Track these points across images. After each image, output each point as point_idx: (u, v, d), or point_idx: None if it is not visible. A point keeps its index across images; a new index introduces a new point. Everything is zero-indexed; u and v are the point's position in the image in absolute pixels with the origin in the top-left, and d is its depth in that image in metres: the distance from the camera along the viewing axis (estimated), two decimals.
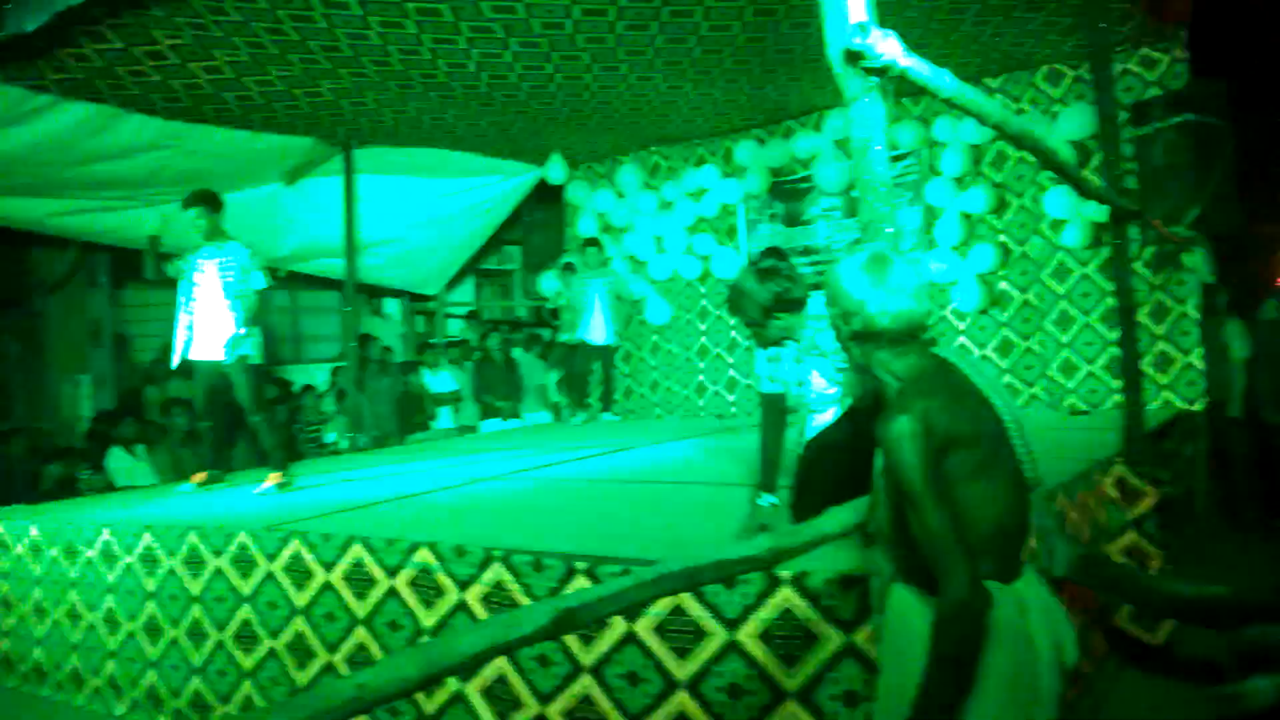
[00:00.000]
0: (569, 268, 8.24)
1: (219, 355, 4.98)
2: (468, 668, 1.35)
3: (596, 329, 7.86)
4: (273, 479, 5.01)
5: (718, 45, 5.58)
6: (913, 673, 1.69)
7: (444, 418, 8.78)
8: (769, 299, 3.18)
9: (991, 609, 1.69)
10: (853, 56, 1.97)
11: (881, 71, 2.01)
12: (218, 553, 3.92)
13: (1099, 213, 5.92)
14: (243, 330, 4.92)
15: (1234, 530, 6.29)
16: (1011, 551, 1.82)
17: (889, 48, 1.97)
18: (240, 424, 5.71)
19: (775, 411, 3.39)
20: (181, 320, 5.13)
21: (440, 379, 8.83)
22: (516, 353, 9.26)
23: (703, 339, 8.21)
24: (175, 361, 5.22)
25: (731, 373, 8.02)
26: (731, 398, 8.02)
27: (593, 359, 8.06)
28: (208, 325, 5.03)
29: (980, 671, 1.69)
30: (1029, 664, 1.76)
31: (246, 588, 3.84)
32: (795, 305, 3.20)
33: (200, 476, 5.31)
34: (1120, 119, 5.66)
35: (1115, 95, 5.32)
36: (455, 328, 10.45)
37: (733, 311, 3.43)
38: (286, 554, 3.70)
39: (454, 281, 10.22)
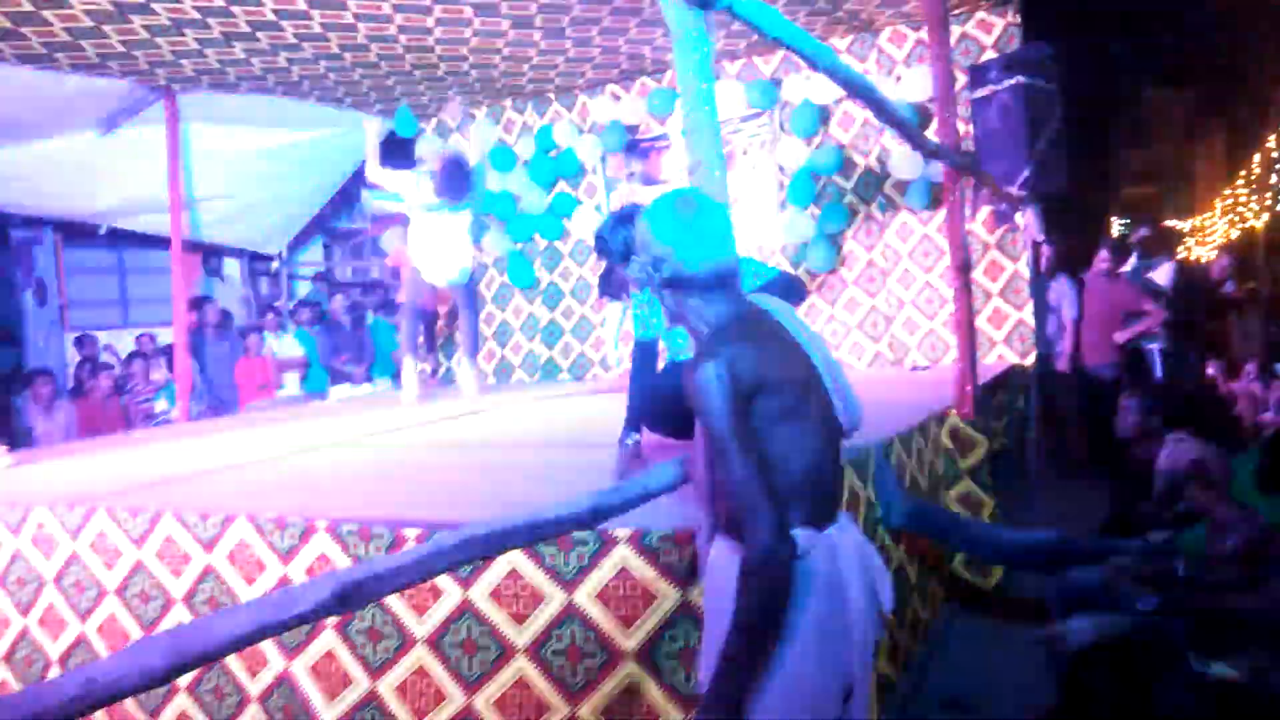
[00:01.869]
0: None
1: None
2: (230, 652, 1.20)
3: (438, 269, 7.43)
4: None
5: None
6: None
7: (291, 384, 8.37)
8: (620, 245, 3.50)
9: (799, 557, 1.66)
10: None
11: (708, 4, 1.92)
12: (15, 532, 3.58)
13: (939, 174, 6.08)
14: None
15: (1062, 479, 6.66)
16: (823, 497, 1.80)
17: None
18: None
19: (644, 355, 3.62)
20: None
21: (286, 344, 8.40)
22: (371, 317, 8.90)
23: (566, 300, 8.06)
24: None
25: (596, 333, 7.92)
26: (597, 358, 7.93)
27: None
28: None
29: (790, 620, 1.66)
30: (841, 611, 1.74)
31: (49, 570, 3.52)
32: None
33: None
34: (959, 83, 5.82)
35: (953, 58, 5.46)
36: (307, 291, 9.99)
37: (600, 255, 3.82)
38: (90, 530, 3.40)
39: (301, 241, 9.74)
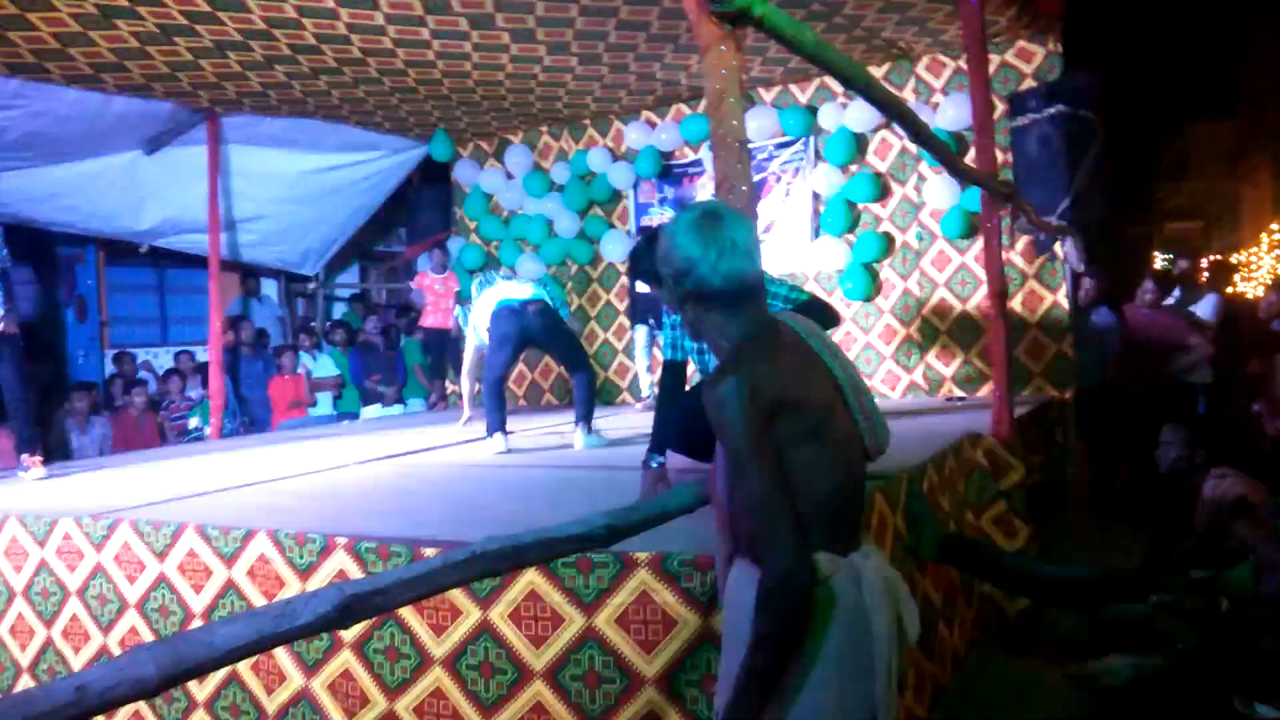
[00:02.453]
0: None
1: None
2: (227, 663, 1.17)
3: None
4: (33, 462, 4.82)
5: (600, 16, 5.42)
6: None
7: (324, 404, 8.43)
8: (654, 265, 3.45)
9: (820, 580, 1.60)
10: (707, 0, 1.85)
11: (737, 17, 1.90)
12: (40, 543, 3.60)
13: (976, 203, 6.00)
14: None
15: (1100, 514, 6.49)
16: (846, 521, 1.73)
17: None
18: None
19: (672, 377, 3.58)
20: None
21: (321, 363, 8.47)
22: (404, 339, 8.96)
23: (592, 323, 8.06)
24: None
25: (621, 358, 7.90)
26: (623, 383, 7.90)
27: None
28: None
29: (811, 646, 1.60)
30: (864, 639, 1.67)
31: (73, 581, 3.53)
32: None
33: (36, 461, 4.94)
34: (997, 111, 5.75)
35: (993, 86, 5.40)
36: (342, 311, 10.08)
37: (634, 276, 3.85)
38: (114, 543, 3.40)
39: (338, 263, 9.84)
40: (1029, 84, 6.21)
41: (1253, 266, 13.39)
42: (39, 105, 5.86)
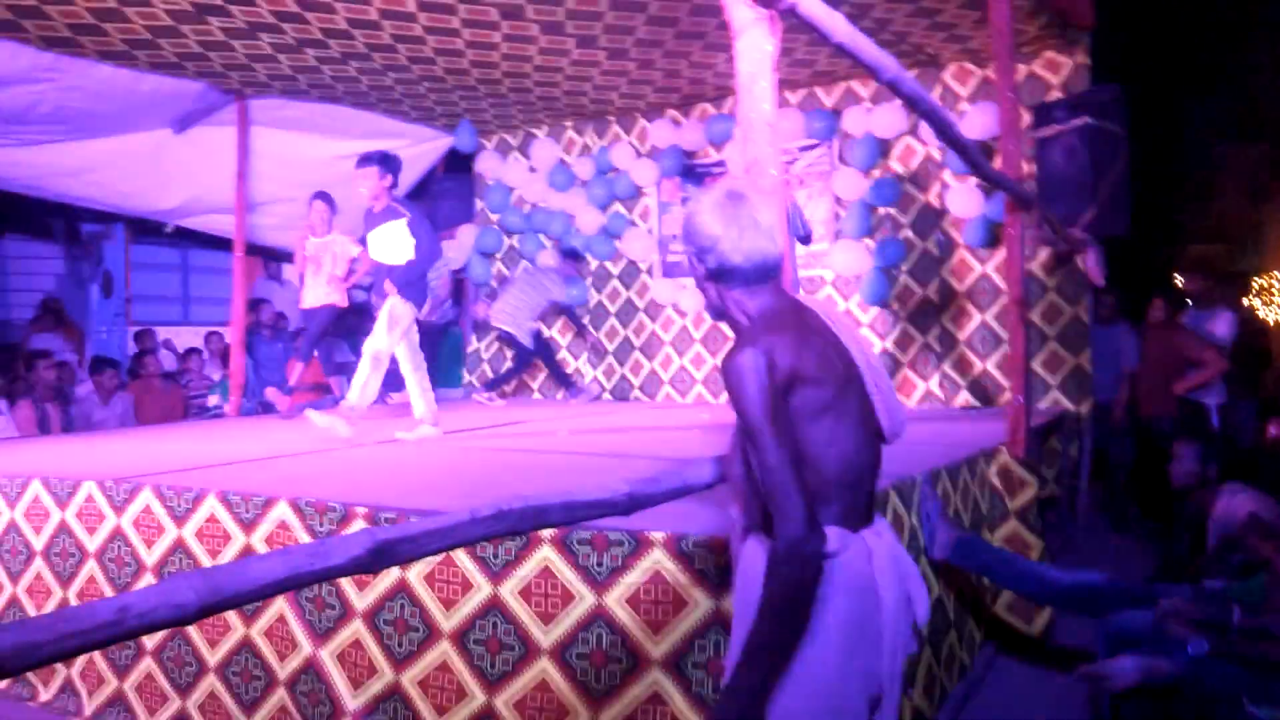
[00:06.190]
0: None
1: None
2: (260, 597, 1.20)
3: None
4: None
5: (630, 10, 5.45)
6: None
7: (343, 388, 8.48)
8: None
9: (830, 555, 1.62)
10: None
11: (770, 2, 1.92)
12: (62, 504, 3.65)
13: (999, 213, 6.00)
14: None
15: (1112, 529, 6.47)
16: (859, 498, 1.76)
17: None
18: None
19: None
20: None
21: (340, 348, 8.53)
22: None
23: (612, 319, 8.09)
24: None
25: (637, 354, 7.92)
26: (637, 380, 7.92)
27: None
28: None
29: (817, 619, 1.62)
30: (872, 615, 1.69)
31: (93, 543, 3.58)
32: None
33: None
34: (1025, 121, 5.75)
35: (1019, 96, 5.40)
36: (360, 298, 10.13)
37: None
38: (135, 506, 3.45)
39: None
40: (1055, 95, 6.21)
41: (1275, 290, 13.32)
42: (71, 80, 5.91)
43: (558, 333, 8.28)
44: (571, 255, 7.89)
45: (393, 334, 4.83)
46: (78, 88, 6.00)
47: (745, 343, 1.66)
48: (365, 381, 4.82)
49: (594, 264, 8.14)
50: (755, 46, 1.96)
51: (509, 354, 7.98)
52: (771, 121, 1.97)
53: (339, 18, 5.40)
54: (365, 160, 5.03)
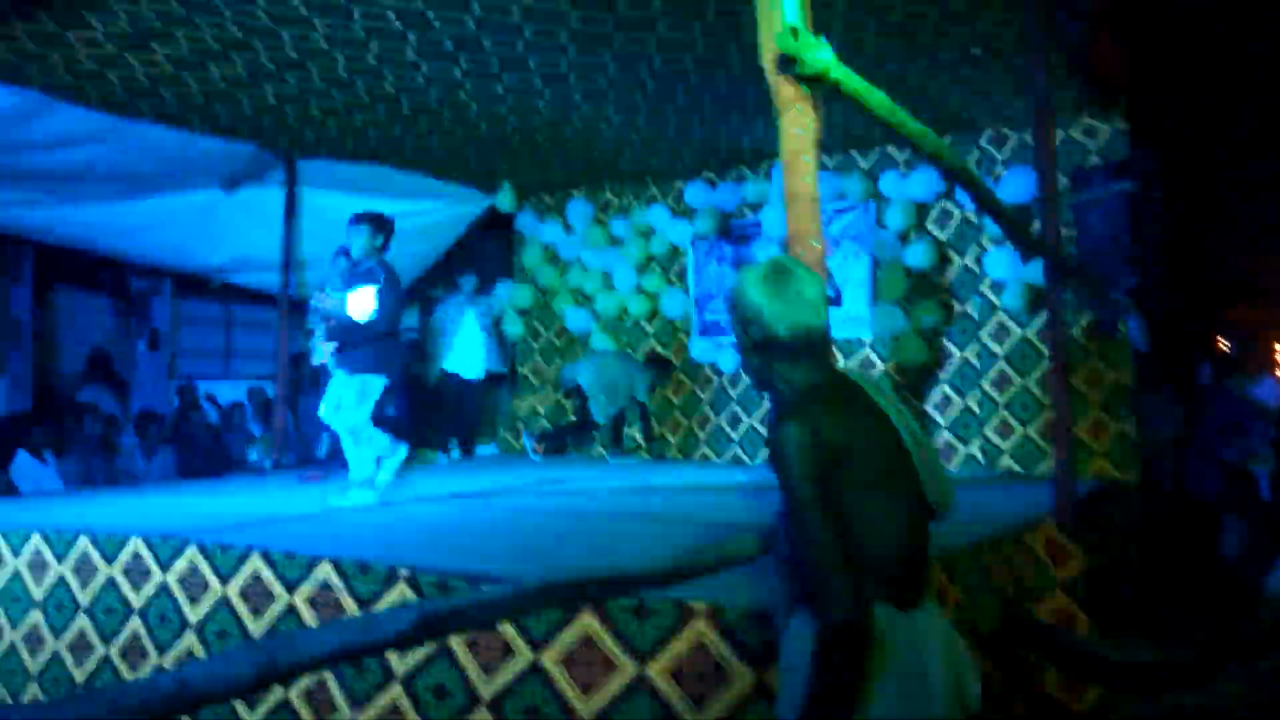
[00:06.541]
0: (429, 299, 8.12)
1: None
2: (312, 669, 1.21)
3: (463, 360, 7.59)
4: None
5: (670, 79, 5.56)
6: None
7: None
8: None
9: (878, 634, 1.60)
10: (786, 63, 1.92)
11: (815, 79, 1.96)
12: (109, 561, 3.69)
13: (1038, 276, 5.98)
14: None
15: (1160, 601, 6.29)
16: (908, 577, 1.73)
17: (821, 54, 1.92)
18: None
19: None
20: None
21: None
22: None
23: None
24: None
25: (676, 413, 7.92)
26: (673, 439, 7.91)
27: (461, 393, 7.76)
28: None
29: (865, 701, 1.59)
30: (921, 699, 1.65)
31: (138, 600, 3.61)
32: None
33: None
34: (1062, 185, 5.75)
35: (1057, 161, 5.41)
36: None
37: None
38: (181, 565, 3.48)
39: None
40: (1094, 160, 6.21)
41: None
42: (127, 141, 6.09)
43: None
44: (659, 364, 7.77)
45: (363, 407, 4.85)
46: (133, 149, 6.19)
47: (791, 416, 1.66)
48: (360, 455, 4.84)
49: (629, 322, 8.20)
50: (799, 123, 1.99)
51: (569, 407, 7.93)
52: (814, 196, 2.00)
53: (387, 83, 5.55)
54: (359, 219, 5.11)
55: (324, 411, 4.99)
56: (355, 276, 5.12)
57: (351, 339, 4.91)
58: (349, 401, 4.79)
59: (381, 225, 5.10)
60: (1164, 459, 6.69)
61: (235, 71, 5.27)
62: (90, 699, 1.02)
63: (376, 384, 4.88)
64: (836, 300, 5.94)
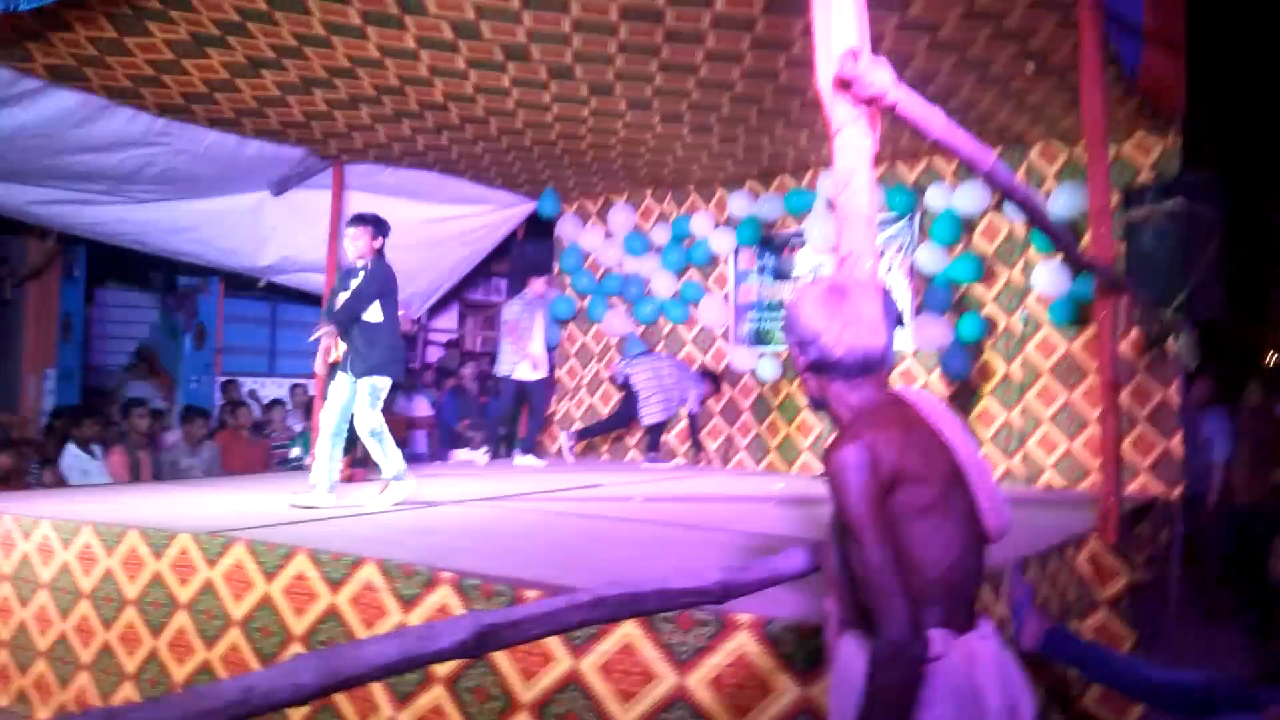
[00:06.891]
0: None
1: None
2: (373, 679, 1.23)
3: (512, 363, 7.55)
4: None
5: (716, 89, 5.57)
6: None
7: (416, 443, 8.65)
8: None
9: (933, 659, 1.59)
10: (843, 84, 1.91)
11: (871, 101, 1.96)
12: (157, 555, 3.77)
13: (1085, 290, 5.91)
14: None
15: (1204, 621, 6.19)
16: (963, 601, 1.72)
17: (880, 77, 1.91)
18: None
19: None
20: None
21: (418, 404, 8.71)
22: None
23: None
24: None
25: (718, 420, 7.91)
26: (713, 444, 7.91)
27: (512, 394, 7.71)
28: None
29: None
30: None
31: (184, 594, 3.68)
32: None
33: None
34: (1113, 201, 5.67)
35: (1109, 177, 5.34)
36: (437, 356, 10.37)
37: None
38: (227, 560, 3.55)
39: (437, 308, 10.15)
40: (1146, 176, 6.13)
41: None
42: (181, 144, 6.23)
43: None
44: (712, 378, 7.77)
45: (377, 408, 4.88)
46: (186, 151, 6.33)
47: (848, 438, 1.66)
48: (385, 453, 4.89)
49: (667, 328, 8.22)
50: (854, 142, 1.99)
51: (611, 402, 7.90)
52: (870, 216, 1.99)
53: (437, 91, 5.62)
54: (359, 220, 5.14)
55: (324, 412, 5.02)
56: (352, 275, 5.18)
57: (355, 342, 4.94)
58: (364, 405, 4.84)
59: (380, 226, 5.16)
60: (1212, 477, 6.58)
61: (288, 78, 5.36)
62: (162, 705, 1.05)
63: (384, 384, 4.94)
64: (900, 322, 5.90)
